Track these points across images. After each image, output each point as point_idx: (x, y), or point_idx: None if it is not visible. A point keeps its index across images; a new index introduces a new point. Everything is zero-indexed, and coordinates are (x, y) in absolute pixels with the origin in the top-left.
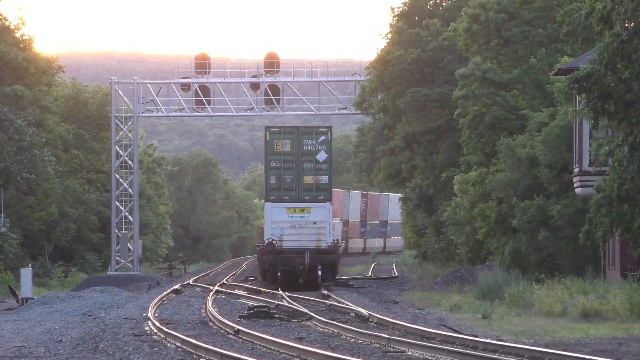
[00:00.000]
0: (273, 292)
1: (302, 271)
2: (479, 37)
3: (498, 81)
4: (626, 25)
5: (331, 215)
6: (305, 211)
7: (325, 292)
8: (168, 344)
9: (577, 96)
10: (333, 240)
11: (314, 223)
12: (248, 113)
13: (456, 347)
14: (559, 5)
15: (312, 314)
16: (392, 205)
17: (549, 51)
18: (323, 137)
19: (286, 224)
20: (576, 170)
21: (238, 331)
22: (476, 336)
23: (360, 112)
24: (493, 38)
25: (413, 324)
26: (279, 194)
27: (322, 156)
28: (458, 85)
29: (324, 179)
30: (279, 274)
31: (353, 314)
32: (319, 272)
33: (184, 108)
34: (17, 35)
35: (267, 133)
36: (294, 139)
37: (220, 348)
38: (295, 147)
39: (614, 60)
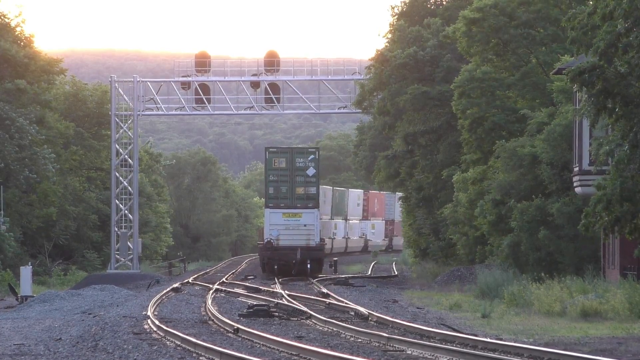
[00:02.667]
0: (272, 291)
1: (294, 264)
2: (478, 40)
3: (497, 85)
4: (627, 21)
5: (318, 219)
6: (297, 216)
7: (325, 291)
8: (167, 343)
9: (578, 94)
10: (320, 239)
11: (304, 225)
12: (248, 112)
13: (456, 346)
14: (557, 5)
15: (311, 312)
16: None
17: (548, 50)
18: (312, 156)
19: (282, 226)
20: (576, 169)
21: (237, 330)
22: (476, 335)
23: (360, 111)
24: (492, 38)
25: (413, 322)
26: (276, 202)
27: (311, 171)
28: (455, 93)
29: (313, 190)
30: (275, 266)
31: (352, 313)
32: (308, 265)
33: (184, 106)
34: (17, 33)
35: (267, 152)
36: (289, 157)
37: (220, 347)
38: (290, 164)
39: (609, 52)
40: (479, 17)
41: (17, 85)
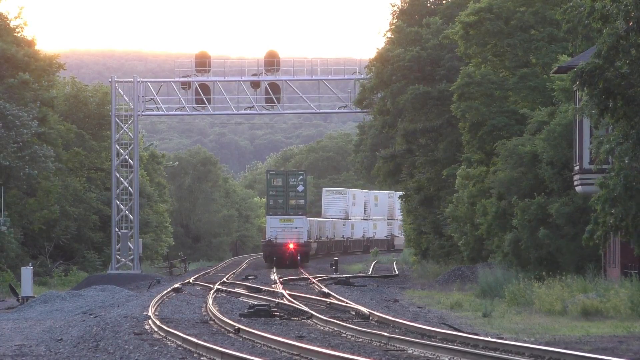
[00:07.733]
0: (273, 291)
1: (288, 257)
2: (476, 43)
3: (495, 87)
4: (629, 22)
5: (306, 223)
6: (290, 221)
7: (326, 291)
8: (168, 343)
9: (578, 93)
10: (308, 238)
11: (296, 228)
12: (248, 111)
13: (457, 346)
14: (557, 5)
15: (312, 312)
16: None
17: (547, 51)
18: (301, 177)
19: (279, 229)
20: (577, 168)
21: (238, 330)
22: (477, 334)
23: (360, 110)
24: (490, 40)
25: (414, 322)
26: (275, 211)
27: (300, 188)
28: (454, 95)
29: (302, 201)
30: (274, 258)
31: (353, 313)
32: (298, 258)
33: (184, 107)
34: (19, 35)
35: (267, 174)
36: (284, 177)
37: (221, 347)
38: (284, 182)
39: (612, 54)
40: (475, 20)
41: (22, 78)
